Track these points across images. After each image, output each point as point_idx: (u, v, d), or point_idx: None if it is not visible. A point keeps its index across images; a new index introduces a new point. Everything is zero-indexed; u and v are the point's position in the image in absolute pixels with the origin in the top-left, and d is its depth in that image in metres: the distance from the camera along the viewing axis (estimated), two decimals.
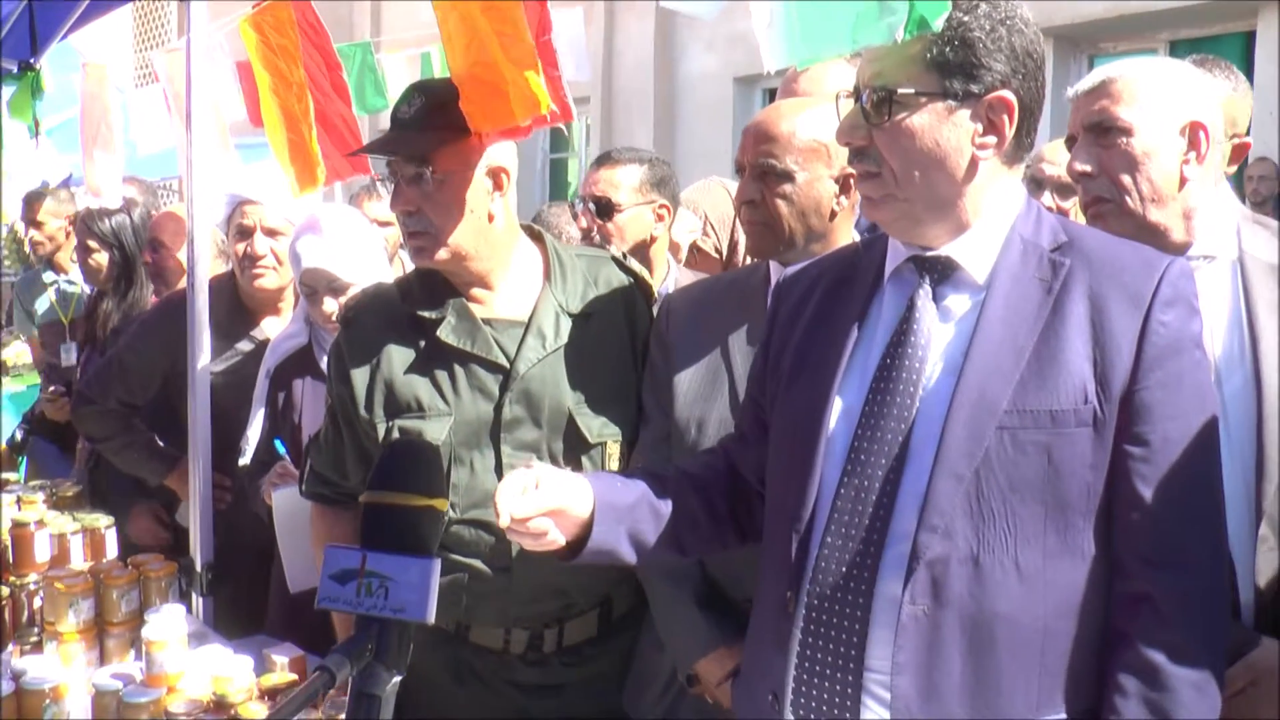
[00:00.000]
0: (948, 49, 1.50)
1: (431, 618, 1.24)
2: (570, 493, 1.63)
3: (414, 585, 1.24)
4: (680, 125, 11.09)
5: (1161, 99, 1.87)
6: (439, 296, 2.21)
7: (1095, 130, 1.90)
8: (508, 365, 2.18)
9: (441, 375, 2.19)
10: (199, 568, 2.92)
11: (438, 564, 1.26)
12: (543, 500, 1.59)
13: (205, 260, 3.01)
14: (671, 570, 2.11)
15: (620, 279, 2.31)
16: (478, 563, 2.17)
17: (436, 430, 2.15)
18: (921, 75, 1.51)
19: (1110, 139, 1.88)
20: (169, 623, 2.41)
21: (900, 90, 1.51)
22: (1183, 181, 1.87)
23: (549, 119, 2.08)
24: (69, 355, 4.73)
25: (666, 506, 1.73)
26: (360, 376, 2.22)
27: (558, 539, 1.63)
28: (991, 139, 1.53)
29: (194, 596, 2.92)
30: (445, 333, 2.18)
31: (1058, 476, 1.46)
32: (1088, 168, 1.90)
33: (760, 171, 2.04)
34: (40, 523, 2.99)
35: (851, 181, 2.05)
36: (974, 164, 1.53)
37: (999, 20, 1.51)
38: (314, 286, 2.77)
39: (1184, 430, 1.46)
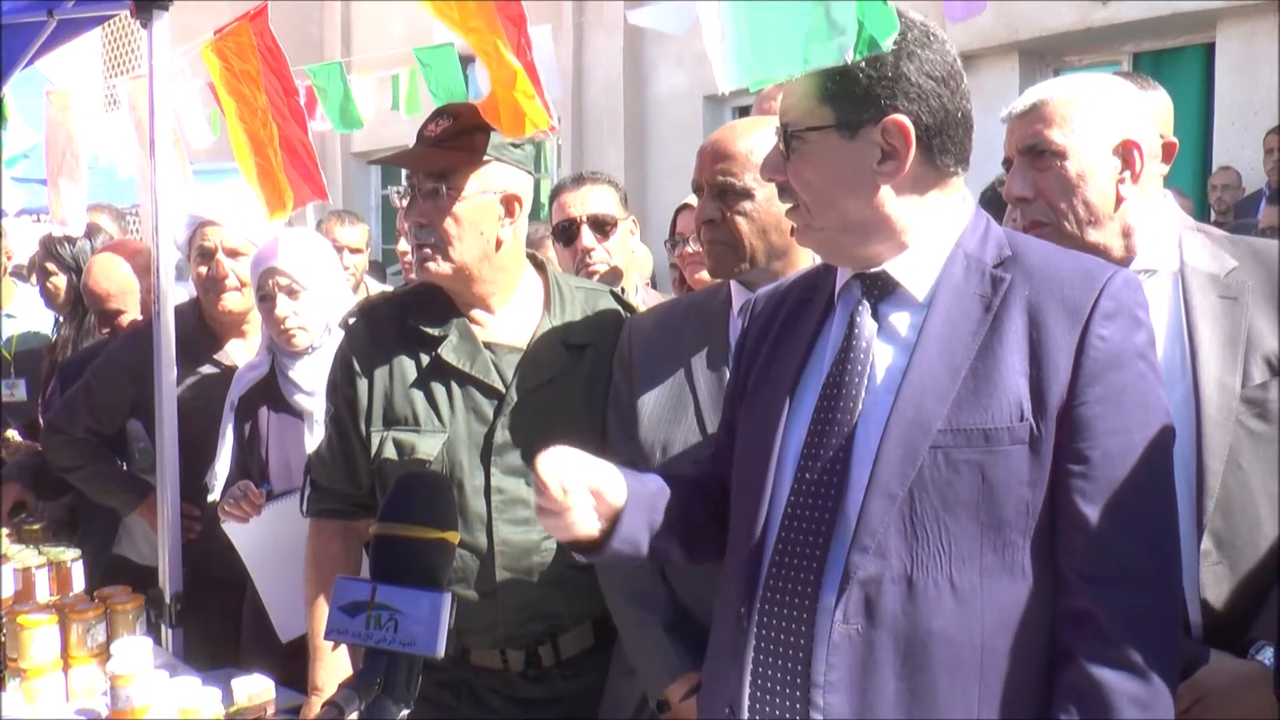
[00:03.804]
0: (830, 82, 1.54)
1: (441, 652, 1.25)
2: (608, 475, 1.61)
3: (424, 619, 1.24)
4: (650, 144, 11.10)
5: (1093, 120, 1.89)
6: (441, 314, 2.25)
7: (1030, 154, 1.92)
8: (504, 390, 2.22)
9: (439, 392, 2.23)
10: (168, 599, 2.89)
11: (449, 598, 1.26)
12: (588, 475, 1.58)
13: (170, 289, 2.98)
14: (639, 596, 2.11)
15: (617, 312, 2.36)
16: (462, 589, 2.19)
17: (430, 446, 2.19)
18: (815, 110, 1.56)
19: (1045, 162, 1.90)
20: (135, 655, 2.38)
21: (797, 127, 1.56)
22: (1119, 200, 1.88)
23: (545, 135, 2.11)
24: (14, 391, 4.63)
25: (678, 503, 1.73)
26: (363, 386, 2.27)
27: (591, 524, 1.58)
28: (890, 165, 1.54)
29: (163, 628, 2.88)
30: (447, 351, 2.22)
31: (993, 495, 1.46)
32: (1026, 193, 1.92)
33: (719, 190, 2.05)
34: (4, 557, 2.95)
35: None
36: (877, 189, 1.55)
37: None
38: (268, 291, 2.76)
39: (1125, 445, 1.46)
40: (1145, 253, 1.90)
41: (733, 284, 2.13)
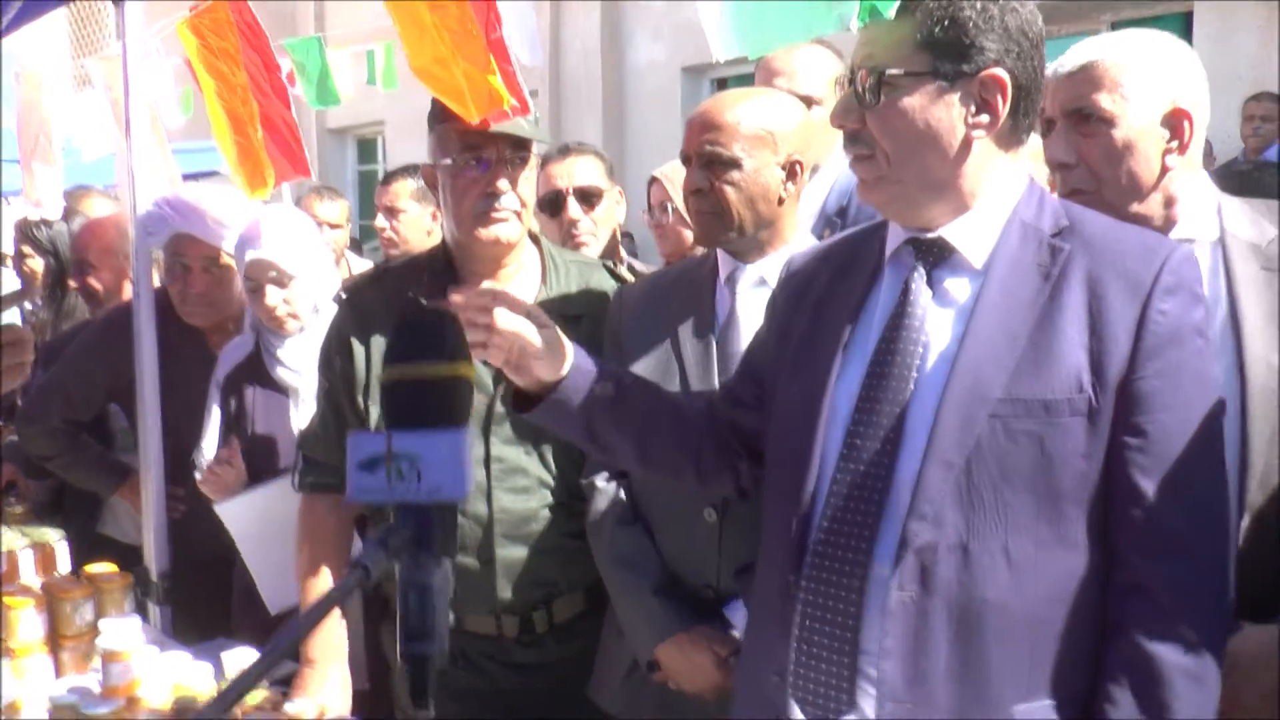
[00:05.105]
0: (937, 29, 1.49)
1: (468, 490, 1.15)
2: (555, 343, 1.64)
3: (445, 461, 1.13)
4: (629, 115, 11.06)
5: (1145, 86, 1.79)
6: (440, 287, 2.26)
7: (1075, 117, 1.83)
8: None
9: None
10: (154, 577, 2.89)
11: (466, 433, 1.16)
12: (531, 329, 1.61)
13: (148, 271, 2.97)
14: (628, 560, 2.14)
15: (609, 284, 2.40)
16: (462, 556, 2.24)
17: None
18: (912, 56, 1.50)
19: (1090, 127, 1.81)
20: (125, 633, 2.39)
21: (890, 71, 1.51)
22: (1164, 171, 1.80)
23: (510, 114, 2.11)
24: None
25: (648, 406, 1.75)
26: (360, 359, 2.29)
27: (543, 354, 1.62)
28: (985, 118, 1.51)
29: (150, 606, 2.89)
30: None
31: (1050, 466, 1.45)
32: (1068, 159, 1.84)
33: (707, 160, 2.06)
34: None
35: (797, 168, 2.08)
36: (968, 144, 1.52)
37: None
38: (258, 280, 2.74)
39: (1183, 420, 1.45)
40: (1186, 221, 1.82)
41: (720, 253, 2.15)
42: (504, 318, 1.59)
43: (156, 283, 3.15)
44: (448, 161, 2.24)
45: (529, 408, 1.69)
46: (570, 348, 1.68)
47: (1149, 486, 1.45)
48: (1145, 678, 1.44)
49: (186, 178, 4.11)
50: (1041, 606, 1.47)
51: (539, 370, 1.65)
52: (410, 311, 1.22)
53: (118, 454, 3.39)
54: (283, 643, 1.05)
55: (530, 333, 1.61)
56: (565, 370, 1.66)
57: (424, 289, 2.27)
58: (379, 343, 2.27)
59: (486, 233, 2.23)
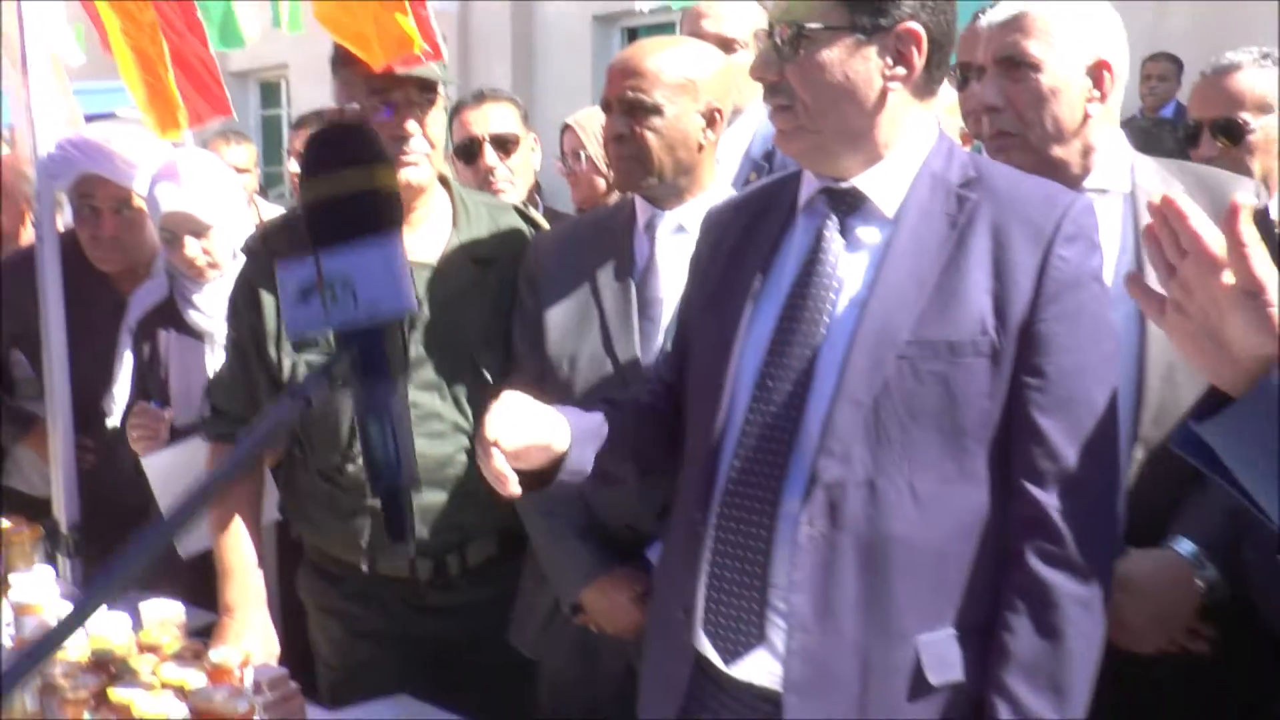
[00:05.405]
0: None
1: (412, 302, 1.08)
2: (551, 425, 1.61)
3: (379, 275, 1.05)
4: (538, 64, 10.95)
5: (1071, 37, 1.89)
6: None
7: (1004, 64, 1.92)
8: (415, 306, 2.21)
9: None
10: (65, 529, 2.83)
11: (398, 242, 1.07)
12: (532, 434, 1.57)
13: (51, 212, 2.87)
14: (551, 503, 2.15)
15: (521, 227, 2.39)
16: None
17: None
18: (829, 10, 1.54)
19: (1019, 73, 1.90)
20: (38, 584, 2.34)
21: (809, 25, 1.54)
22: (1085, 119, 1.90)
23: (422, 58, 2.08)
24: None
25: (628, 426, 1.75)
26: (270, 308, 2.25)
27: (512, 481, 1.56)
28: (901, 71, 1.56)
29: (61, 559, 2.83)
30: None
31: (955, 405, 1.51)
32: (996, 103, 1.92)
33: (628, 106, 2.07)
34: None
35: (717, 116, 2.11)
36: (884, 96, 1.56)
37: None
38: (174, 231, 2.68)
39: (1080, 362, 1.52)
40: (1100, 172, 1.93)
41: (637, 200, 2.17)
42: (499, 460, 1.54)
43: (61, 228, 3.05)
44: (354, 106, 2.20)
45: (535, 487, 1.65)
46: (565, 426, 1.64)
47: (1047, 424, 1.51)
48: (1040, 604, 1.51)
49: (87, 119, 3.96)
50: (946, 540, 1.54)
51: (539, 459, 1.62)
52: (320, 128, 1.14)
53: (21, 403, 3.29)
54: (210, 485, 1.01)
55: (529, 451, 1.58)
56: (565, 447, 1.63)
57: None
58: None
59: (407, 175, 2.20)
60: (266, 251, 2.30)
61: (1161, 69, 7.10)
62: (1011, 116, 1.91)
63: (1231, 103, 2.53)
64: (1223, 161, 2.31)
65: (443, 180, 2.38)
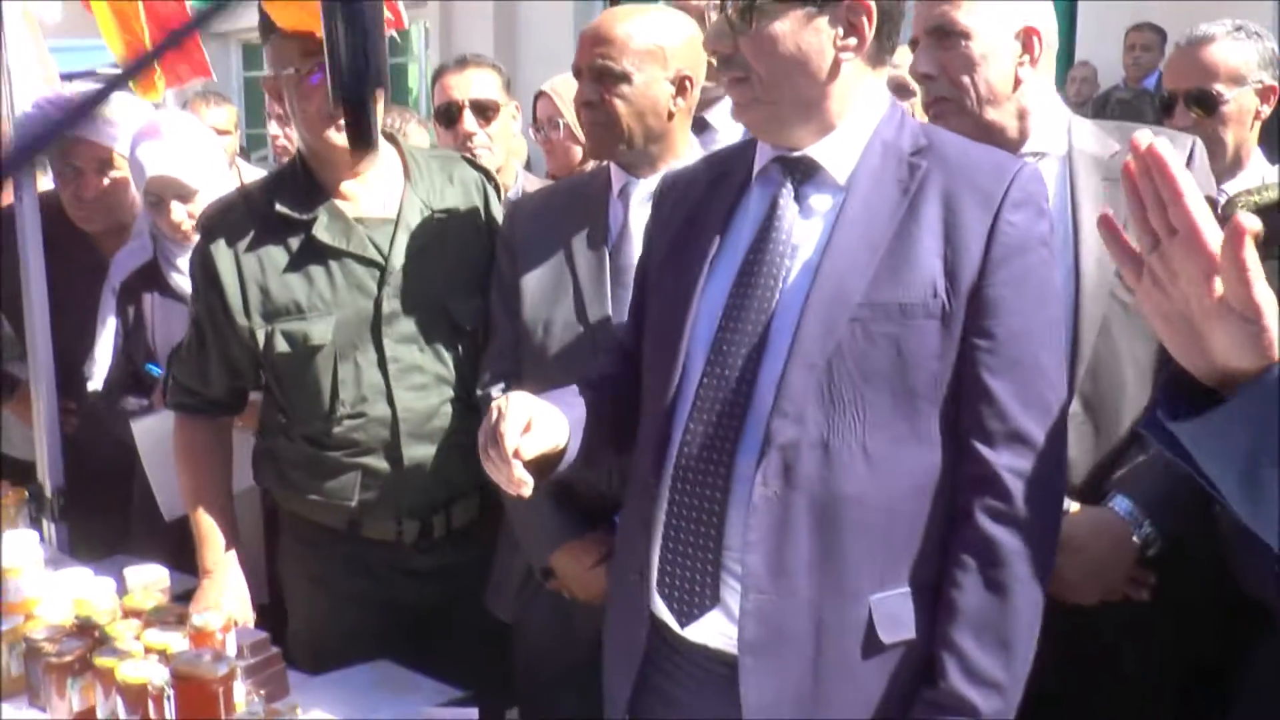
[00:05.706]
0: None
1: None
2: (557, 428, 1.63)
3: None
4: (520, 29, 10.87)
5: (998, 5, 1.96)
6: (305, 197, 2.25)
7: (936, 34, 1.98)
8: (383, 261, 2.25)
9: (318, 274, 2.25)
10: (49, 493, 2.83)
11: None
12: (546, 440, 1.59)
13: (31, 174, 2.84)
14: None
15: (473, 176, 2.42)
16: (370, 459, 2.27)
17: (321, 330, 2.22)
18: None
19: (950, 41, 1.96)
20: (22, 547, 2.35)
21: None
22: (1017, 83, 1.96)
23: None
24: None
25: (604, 412, 1.77)
26: (231, 282, 2.26)
27: (528, 486, 1.57)
28: (852, 41, 1.58)
29: (46, 523, 2.84)
30: (319, 231, 2.23)
31: (906, 366, 1.54)
32: (931, 71, 1.99)
33: (598, 73, 2.08)
34: None
35: (687, 84, 2.12)
36: (836, 66, 1.58)
37: None
38: (160, 194, 2.67)
39: (1027, 324, 1.55)
40: (1037, 135, 1.99)
41: (612, 168, 2.19)
42: (519, 470, 1.54)
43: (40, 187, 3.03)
44: (290, 71, 2.18)
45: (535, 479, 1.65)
46: (564, 422, 1.65)
47: (996, 385, 1.55)
48: (987, 561, 1.54)
49: (63, 78, 3.92)
50: (898, 500, 1.57)
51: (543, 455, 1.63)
52: None
53: (3, 365, 3.28)
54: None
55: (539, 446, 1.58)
56: (565, 443, 1.65)
57: (287, 201, 2.25)
58: (251, 260, 2.25)
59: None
60: (219, 226, 2.29)
61: (1145, 39, 7.11)
62: (945, 83, 1.98)
63: (1206, 74, 2.58)
64: (1196, 131, 2.35)
65: (389, 137, 2.38)
